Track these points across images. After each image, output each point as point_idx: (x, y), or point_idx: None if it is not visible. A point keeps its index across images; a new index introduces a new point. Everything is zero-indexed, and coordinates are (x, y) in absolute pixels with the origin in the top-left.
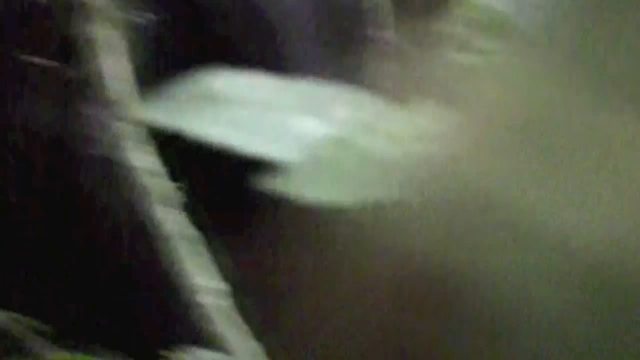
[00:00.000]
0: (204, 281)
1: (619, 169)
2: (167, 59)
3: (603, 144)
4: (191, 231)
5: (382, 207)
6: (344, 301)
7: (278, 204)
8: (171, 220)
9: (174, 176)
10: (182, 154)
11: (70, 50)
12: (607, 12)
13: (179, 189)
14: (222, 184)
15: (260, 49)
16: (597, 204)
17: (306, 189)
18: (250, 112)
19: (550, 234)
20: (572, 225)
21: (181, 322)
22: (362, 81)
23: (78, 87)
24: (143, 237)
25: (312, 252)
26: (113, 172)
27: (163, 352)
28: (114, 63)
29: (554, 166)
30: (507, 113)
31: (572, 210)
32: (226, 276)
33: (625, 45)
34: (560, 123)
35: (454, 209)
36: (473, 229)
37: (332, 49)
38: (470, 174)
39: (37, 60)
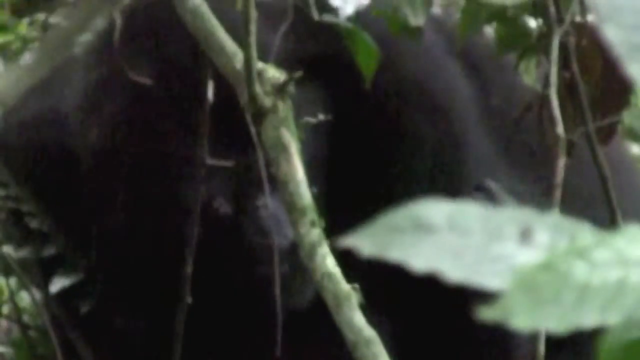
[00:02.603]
0: None
1: None
2: (344, 158)
3: None
4: (373, 332)
5: None
6: None
7: None
8: (360, 322)
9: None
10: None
11: (251, 150)
12: None
13: (355, 289)
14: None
15: (436, 136)
16: None
17: (514, 316)
18: (456, 239)
19: None
20: None
21: None
22: (534, 176)
23: (257, 186)
24: (338, 341)
25: None
26: (296, 272)
27: None
28: (294, 165)
29: None
30: None
31: None
32: None
33: None
34: None
35: None
36: None
37: (499, 140)
38: None
39: (221, 162)
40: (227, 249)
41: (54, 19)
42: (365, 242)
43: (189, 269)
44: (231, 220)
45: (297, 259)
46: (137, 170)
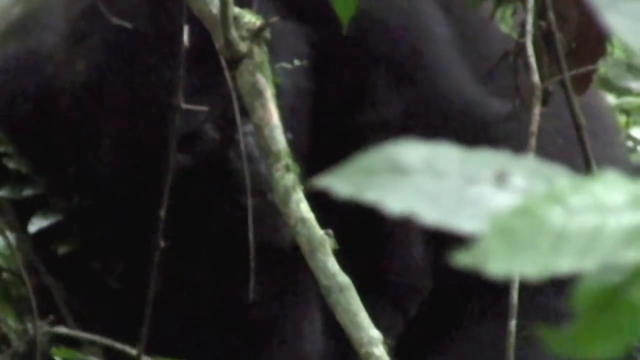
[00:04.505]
0: (373, 332)
1: None
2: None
3: None
4: (347, 278)
5: None
6: None
7: None
8: (333, 268)
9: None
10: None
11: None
12: None
13: (329, 235)
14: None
15: (418, 71)
16: None
17: (489, 260)
18: (432, 181)
19: None
20: None
21: None
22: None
23: (245, 113)
24: (311, 285)
25: None
26: (271, 214)
27: None
28: (269, 110)
29: None
30: None
31: None
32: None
33: None
34: None
35: None
36: None
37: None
38: None
39: (199, 106)
40: (214, 176)
41: None
42: (341, 182)
43: (162, 213)
44: (218, 147)
45: None
46: (122, 102)
